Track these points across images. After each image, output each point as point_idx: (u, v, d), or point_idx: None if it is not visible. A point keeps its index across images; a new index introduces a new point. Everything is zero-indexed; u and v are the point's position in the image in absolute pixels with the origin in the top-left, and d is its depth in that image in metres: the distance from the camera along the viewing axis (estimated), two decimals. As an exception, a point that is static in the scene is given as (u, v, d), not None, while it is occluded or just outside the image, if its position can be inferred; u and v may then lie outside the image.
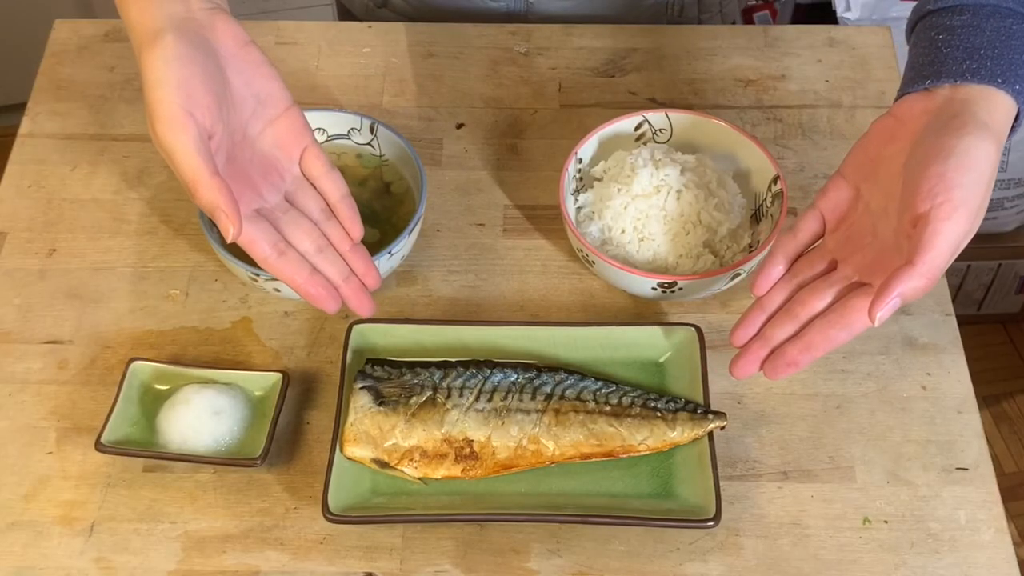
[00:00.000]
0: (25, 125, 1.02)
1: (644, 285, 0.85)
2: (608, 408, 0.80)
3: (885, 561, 0.77)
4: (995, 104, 0.72)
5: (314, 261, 0.79)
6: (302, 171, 0.81)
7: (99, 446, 0.78)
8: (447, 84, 1.05)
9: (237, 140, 0.77)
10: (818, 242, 0.79)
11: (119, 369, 0.84)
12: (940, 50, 0.76)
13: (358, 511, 0.77)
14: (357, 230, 0.82)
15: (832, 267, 0.77)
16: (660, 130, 0.94)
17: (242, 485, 0.80)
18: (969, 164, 0.69)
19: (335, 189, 0.81)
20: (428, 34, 1.10)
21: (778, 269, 0.78)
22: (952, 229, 0.68)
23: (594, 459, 0.79)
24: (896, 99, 0.78)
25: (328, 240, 0.81)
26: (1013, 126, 0.74)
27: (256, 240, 0.76)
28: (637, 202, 0.88)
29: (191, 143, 0.70)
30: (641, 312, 0.90)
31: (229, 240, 0.72)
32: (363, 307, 0.81)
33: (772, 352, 0.76)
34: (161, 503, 0.80)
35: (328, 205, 0.82)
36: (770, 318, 0.77)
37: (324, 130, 0.95)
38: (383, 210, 0.92)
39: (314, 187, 0.82)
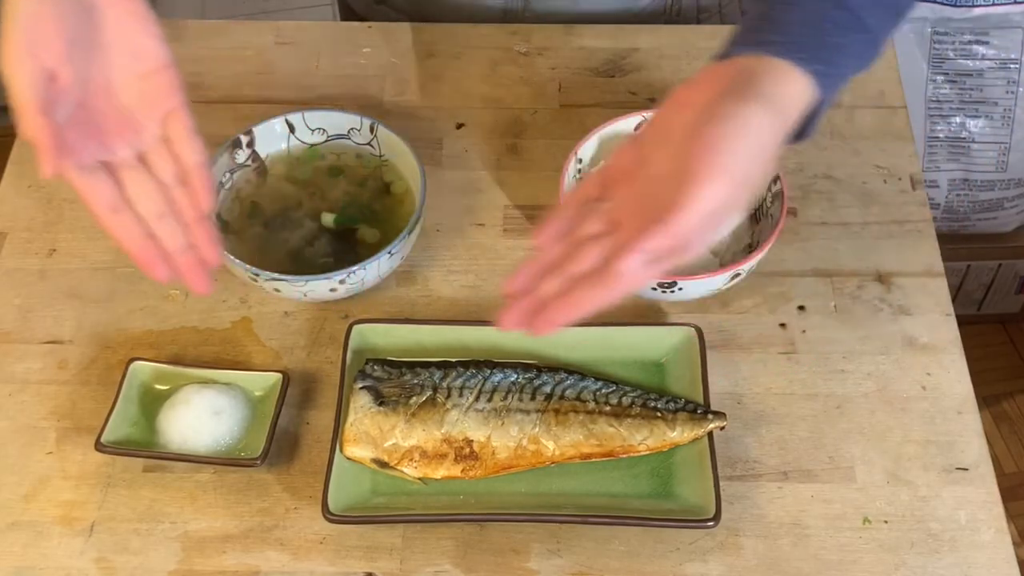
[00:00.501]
0: (25, 125, 1.02)
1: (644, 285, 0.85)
2: (608, 408, 0.80)
3: (885, 561, 0.77)
4: (788, 80, 0.70)
5: (153, 225, 0.75)
6: (166, 133, 0.76)
7: (99, 446, 0.78)
8: (447, 84, 1.05)
9: (96, 88, 0.74)
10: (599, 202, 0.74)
11: (119, 369, 0.84)
12: (752, 21, 0.74)
13: (358, 511, 0.77)
14: (207, 200, 0.76)
15: (614, 228, 0.72)
16: (660, 130, 0.94)
17: (242, 485, 0.80)
18: (742, 132, 0.66)
19: (192, 154, 0.76)
20: (428, 34, 1.10)
21: (557, 223, 0.73)
22: (708, 194, 0.65)
23: (594, 459, 0.79)
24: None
25: (173, 207, 0.76)
26: (815, 112, 0.72)
27: (93, 192, 0.73)
28: (637, 202, 0.88)
29: (26, 79, 0.70)
30: (641, 312, 0.90)
31: (43, 175, 0.70)
32: (198, 283, 0.76)
33: (539, 308, 0.71)
34: (161, 503, 0.80)
35: (182, 171, 0.76)
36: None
37: (324, 130, 0.95)
38: (383, 210, 0.92)
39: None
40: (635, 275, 0.68)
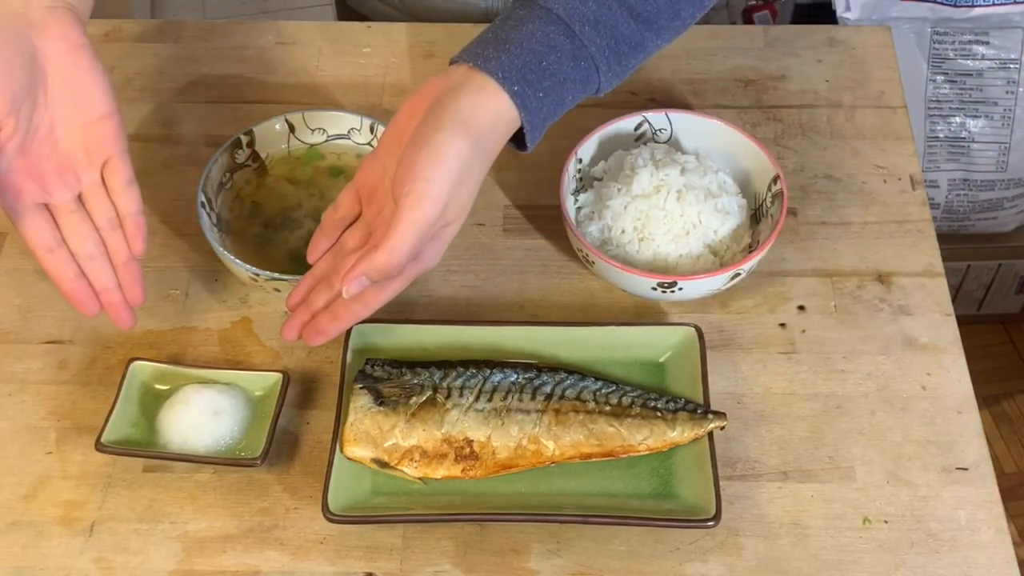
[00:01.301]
0: (25, 125, 1.02)
1: (644, 285, 0.85)
2: (608, 408, 0.80)
3: (885, 561, 0.77)
4: (487, 99, 0.74)
5: (84, 265, 0.80)
6: (103, 179, 0.81)
7: (99, 446, 0.78)
8: (447, 84, 1.05)
9: (39, 135, 0.78)
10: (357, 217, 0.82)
11: (119, 369, 0.84)
12: (486, 32, 0.79)
13: (358, 511, 0.77)
14: (139, 246, 0.81)
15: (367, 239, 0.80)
16: (660, 130, 0.94)
17: (242, 485, 0.80)
18: (438, 158, 0.72)
19: (128, 204, 0.81)
20: (428, 34, 1.10)
21: (324, 241, 0.82)
22: (416, 218, 0.72)
23: (594, 459, 0.79)
24: None
25: (106, 249, 0.81)
26: (521, 132, 0.77)
27: (30, 232, 0.78)
28: (637, 202, 0.88)
29: None
30: (641, 312, 0.90)
31: None
32: (120, 320, 0.82)
33: (313, 319, 0.79)
34: (161, 503, 0.80)
35: (118, 217, 0.82)
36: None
37: (324, 130, 0.95)
38: (383, 210, 0.92)
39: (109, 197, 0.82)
40: (366, 295, 0.76)
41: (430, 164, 0.72)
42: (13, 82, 0.75)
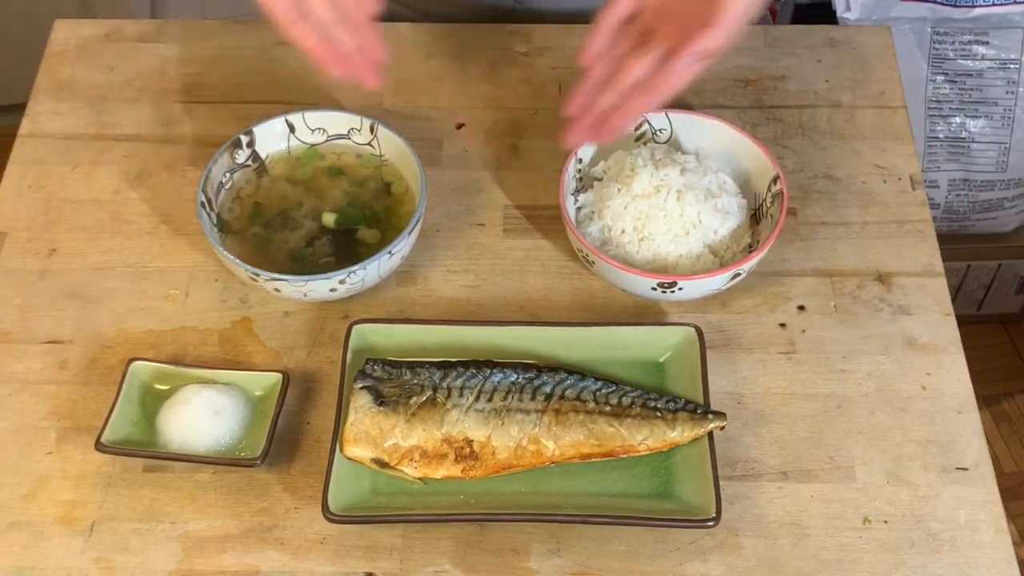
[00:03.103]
0: (25, 125, 1.02)
1: (644, 285, 0.85)
2: (608, 408, 0.80)
3: (885, 561, 0.77)
4: None
5: (329, 30, 0.83)
6: None
7: (99, 446, 0.78)
8: (447, 84, 1.05)
9: None
10: (635, 16, 0.83)
11: (119, 369, 0.84)
12: None
13: (358, 511, 0.77)
14: (373, 5, 0.85)
15: (648, 40, 0.81)
16: (660, 130, 0.94)
17: (242, 485, 0.80)
18: None
19: None
20: (428, 34, 1.10)
21: (599, 41, 0.83)
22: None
23: (594, 459, 0.79)
24: None
25: (345, 12, 0.84)
26: None
27: (275, 4, 0.82)
28: (637, 202, 0.88)
29: None
30: (641, 312, 0.90)
31: None
32: (369, 78, 0.84)
33: (599, 120, 0.82)
34: (161, 503, 0.80)
35: None
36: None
37: (324, 130, 0.95)
38: (383, 210, 0.92)
39: None
40: (683, 75, 0.79)
41: None
42: None
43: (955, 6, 1.58)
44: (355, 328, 0.84)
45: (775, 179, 0.89)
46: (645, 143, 0.94)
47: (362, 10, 0.85)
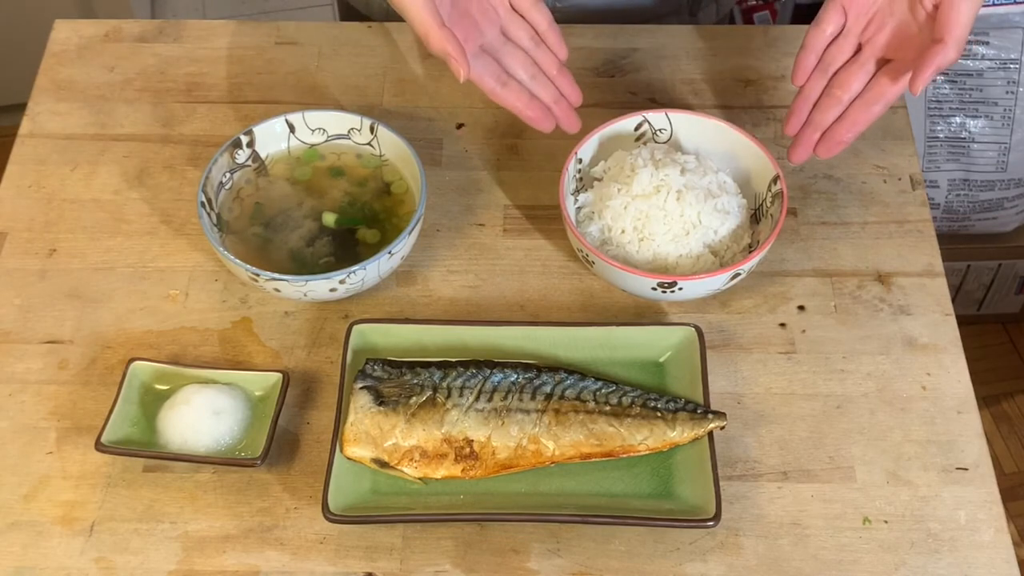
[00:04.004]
0: (25, 125, 1.02)
1: (644, 285, 0.85)
2: (608, 408, 0.80)
3: (885, 561, 0.77)
4: None
5: (530, 87, 0.89)
6: (511, 4, 0.90)
7: (99, 446, 0.78)
8: (447, 84, 1.05)
9: None
10: (843, 30, 0.87)
11: (119, 369, 0.84)
12: None
13: (358, 511, 0.77)
14: (563, 51, 0.91)
15: (858, 50, 0.86)
16: (660, 130, 0.94)
17: (242, 485, 0.80)
18: None
19: (543, 19, 0.90)
20: (428, 34, 1.09)
21: (811, 58, 0.87)
22: (970, 5, 0.78)
23: (594, 459, 0.79)
24: None
25: (539, 66, 0.90)
26: None
27: (483, 76, 0.87)
28: (637, 202, 0.88)
29: (420, 1, 0.82)
30: (641, 312, 0.90)
31: (461, 80, 0.83)
32: (572, 124, 0.91)
33: (823, 135, 0.86)
34: (161, 503, 0.80)
35: (536, 33, 0.91)
36: (814, 106, 0.87)
37: (324, 130, 0.95)
38: (383, 210, 0.92)
39: (522, 17, 0.91)
40: (881, 92, 0.84)
41: None
42: None
43: (955, 6, 1.58)
44: (355, 328, 0.84)
45: (775, 179, 0.89)
46: (645, 143, 0.94)
47: (552, 60, 0.90)
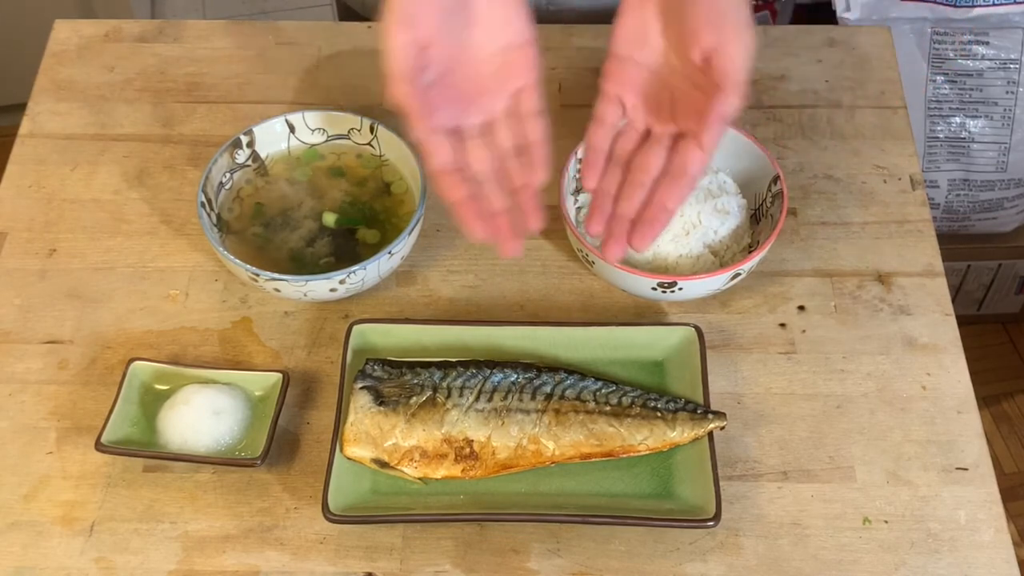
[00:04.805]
0: (25, 125, 1.02)
1: (644, 285, 0.85)
2: (608, 408, 0.80)
3: (885, 561, 0.77)
4: None
5: (480, 188, 0.79)
6: (514, 106, 0.81)
7: (99, 446, 0.78)
8: (447, 84, 1.05)
9: (464, 56, 0.79)
10: (624, 120, 0.82)
11: (119, 369, 0.84)
12: None
13: (358, 511, 0.77)
14: (542, 175, 0.79)
15: (647, 135, 0.80)
16: (660, 130, 0.94)
17: (242, 485, 0.80)
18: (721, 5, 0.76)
19: (535, 132, 0.80)
20: (428, 34, 1.09)
21: (599, 157, 0.80)
22: (742, 48, 0.75)
23: (594, 459, 0.79)
24: None
25: (506, 172, 0.80)
26: None
27: (434, 150, 0.76)
28: (637, 202, 0.88)
29: (399, 50, 0.75)
30: (641, 312, 0.90)
31: (411, 138, 0.76)
32: (507, 246, 0.78)
33: (633, 224, 0.78)
34: (161, 503, 0.80)
35: (523, 144, 0.81)
36: (616, 198, 0.79)
37: (324, 130, 0.95)
38: (383, 210, 0.92)
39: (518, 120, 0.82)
40: (709, 148, 0.76)
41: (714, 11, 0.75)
42: (444, 2, 0.77)
43: (955, 6, 1.58)
44: (355, 328, 0.84)
45: (775, 179, 0.89)
46: (645, 143, 0.94)
47: (525, 177, 0.79)
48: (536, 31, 0.80)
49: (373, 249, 0.87)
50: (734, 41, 0.75)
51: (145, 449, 0.80)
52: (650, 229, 0.77)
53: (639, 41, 0.80)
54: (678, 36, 0.77)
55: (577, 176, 0.93)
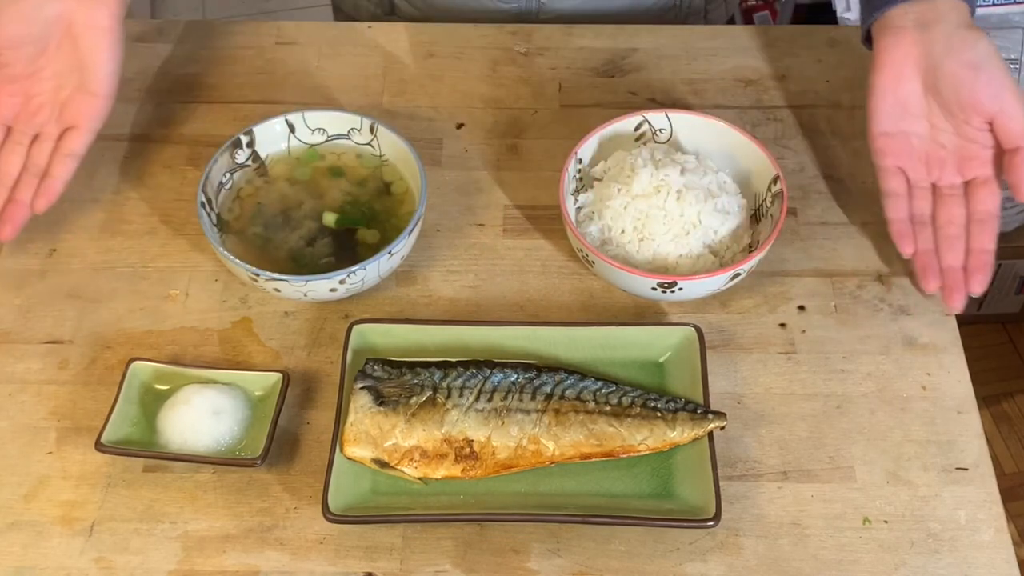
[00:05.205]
0: (25, 125, 1.02)
1: (644, 285, 0.85)
2: (608, 408, 0.80)
3: (885, 561, 0.77)
4: (953, 3, 0.87)
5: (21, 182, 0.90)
6: (60, 141, 0.91)
7: (99, 446, 0.78)
8: (447, 84, 1.05)
9: (34, 76, 0.90)
10: (911, 185, 0.90)
11: (119, 369, 0.84)
12: None
13: (358, 511, 0.77)
14: (42, 204, 0.90)
15: (934, 190, 0.89)
16: (660, 130, 0.94)
17: (242, 485, 0.80)
18: (994, 59, 0.85)
19: (59, 169, 0.90)
20: (428, 34, 1.10)
21: (904, 225, 0.89)
22: (1021, 110, 0.85)
23: (594, 459, 0.79)
24: (865, 35, 0.92)
25: (32, 164, 0.90)
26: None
27: None
28: (637, 202, 0.88)
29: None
30: (641, 312, 0.90)
31: None
32: (7, 228, 0.90)
33: (965, 270, 0.88)
34: (161, 503, 0.80)
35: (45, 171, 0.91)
36: (939, 254, 0.89)
37: (324, 130, 0.95)
38: (383, 210, 0.92)
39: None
40: (997, 182, 0.88)
41: (996, 69, 0.85)
42: (21, 27, 0.88)
43: (955, 6, 1.58)
44: (355, 328, 0.84)
45: (775, 179, 0.89)
46: (645, 143, 0.94)
47: (30, 196, 0.90)
48: (113, 92, 0.91)
49: (373, 249, 0.87)
50: (1014, 104, 0.85)
51: (145, 449, 0.80)
52: (983, 274, 0.87)
53: (902, 115, 0.88)
54: (953, 105, 0.86)
55: (577, 176, 0.93)
